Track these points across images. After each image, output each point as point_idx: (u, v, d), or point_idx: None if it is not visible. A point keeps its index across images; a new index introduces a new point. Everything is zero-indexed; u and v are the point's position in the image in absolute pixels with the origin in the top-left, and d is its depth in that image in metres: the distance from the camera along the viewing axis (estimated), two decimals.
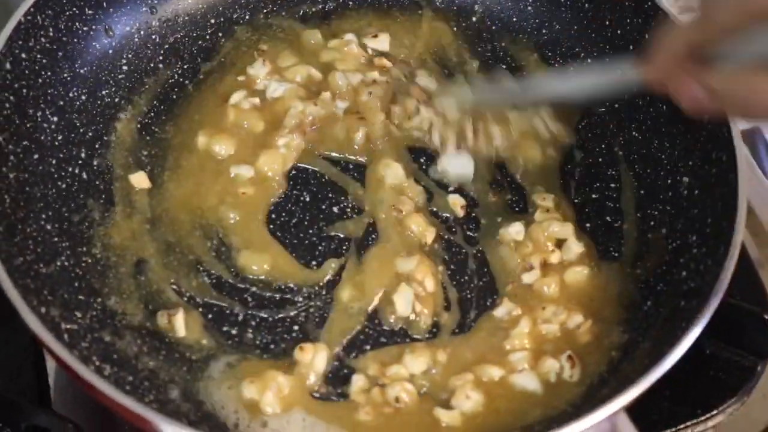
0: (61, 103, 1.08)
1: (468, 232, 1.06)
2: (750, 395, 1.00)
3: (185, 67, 1.17)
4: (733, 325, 0.98)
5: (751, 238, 1.14)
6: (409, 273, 1.00)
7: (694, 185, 1.03)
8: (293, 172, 1.09)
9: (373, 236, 1.04)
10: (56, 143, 1.05)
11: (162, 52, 1.17)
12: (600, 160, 1.12)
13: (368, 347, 0.96)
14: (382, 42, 1.19)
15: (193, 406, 0.90)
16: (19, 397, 0.95)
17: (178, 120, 1.12)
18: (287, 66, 1.16)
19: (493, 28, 1.24)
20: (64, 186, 1.03)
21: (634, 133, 1.13)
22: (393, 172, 1.08)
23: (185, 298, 0.98)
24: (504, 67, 1.20)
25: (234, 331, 0.96)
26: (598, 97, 1.04)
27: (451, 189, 1.09)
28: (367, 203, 1.07)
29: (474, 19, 1.24)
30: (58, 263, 0.97)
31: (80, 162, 1.06)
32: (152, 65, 1.16)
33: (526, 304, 0.99)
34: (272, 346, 0.95)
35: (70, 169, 1.05)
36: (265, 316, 0.97)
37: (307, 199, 1.07)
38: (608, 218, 1.07)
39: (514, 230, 1.03)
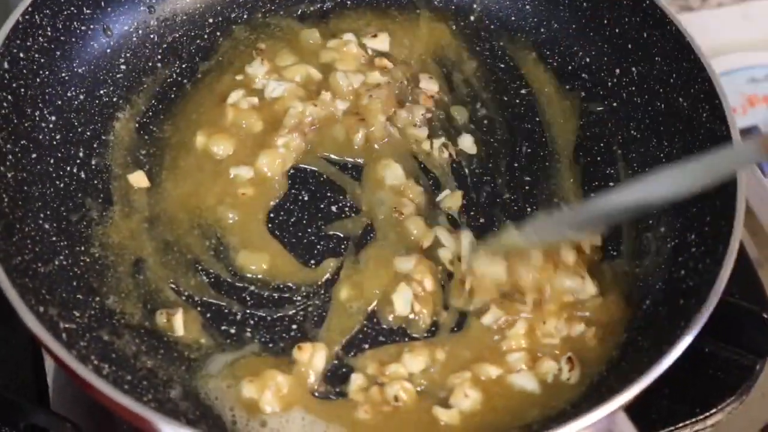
0: (59, 102, 1.08)
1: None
2: (749, 394, 0.99)
3: (183, 66, 1.17)
4: (732, 324, 0.98)
5: (750, 238, 1.14)
6: (408, 272, 0.99)
7: None
8: (291, 171, 1.08)
9: (372, 235, 1.04)
10: (54, 142, 1.05)
11: (160, 51, 1.17)
12: (599, 158, 1.12)
13: (367, 346, 0.96)
14: (381, 42, 1.19)
15: (191, 405, 0.90)
16: (17, 396, 0.95)
17: (177, 119, 1.12)
18: (286, 65, 1.16)
19: (492, 27, 1.24)
20: (62, 185, 1.03)
21: (632, 131, 1.13)
22: (393, 173, 1.08)
23: (184, 297, 0.98)
24: (503, 66, 1.20)
25: (232, 330, 0.96)
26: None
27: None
28: (366, 203, 1.06)
29: (472, 18, 1.24)
30: (57, 262, 0.97)
31: (78, 161, 1.06)
32: (150, 64, 1.16)
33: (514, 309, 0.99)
34: (271, 345, 0.95)
35: (69, 169, 1.05)
36: (264, 315, 0.97)
37: (306, 198, 1.07)
38: None
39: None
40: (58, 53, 1.09)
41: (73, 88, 1.10)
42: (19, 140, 1.01)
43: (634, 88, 1.14)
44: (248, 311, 0.97)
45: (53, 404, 0.98)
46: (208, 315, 0.97)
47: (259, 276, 1.00)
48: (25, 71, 1.04)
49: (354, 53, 1.17)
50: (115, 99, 1.12)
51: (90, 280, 0.97)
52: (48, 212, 1.00)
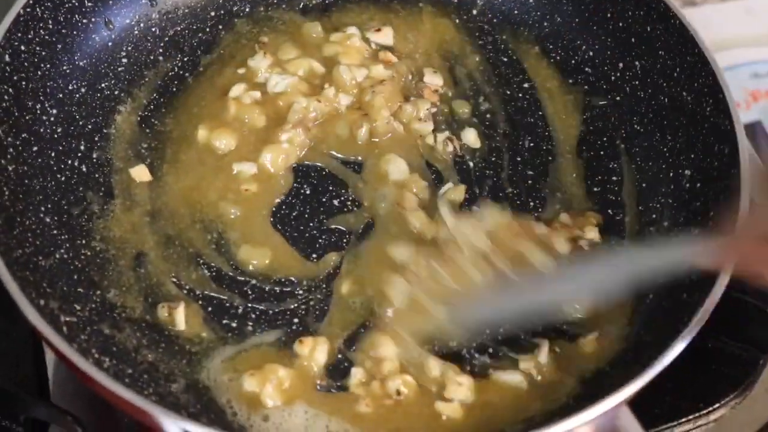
0: (61, 95, 1.08)
1: None
2: (752, 389, 0.99)
3: (185, 59, 1.16)
4: (736, 319, 0.98)
5: None
6: (405, 262, 0.99)
7: (696, 178, 1.03)
8: (294, 164, 1.08)
9: (374, 230, 1.04)
10: (55, 136, 1.05)
11: (162, 44, 1.17)
12: (602, 153, 1.12)
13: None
14: (385, 36, 1.18)
15: (192, 398, 0.90)
16: (18, 389, 0.94)
17: (178, 113, 1.12)
18: (289, 59, 1.15)
19: (494, 21, 1.23)
20: (63, 179, 1.03)
21: (635, 126, 1.12)
22: (397, 168, 1.07)
23: (185, 291, 0.98)
24: (506, 60, 1.20)
25: (234, 324, 0.96)
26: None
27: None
28: (368, 197, 1.06)
29: (475, 12, 1.24)
30: (57, 256, 0.96)
31: (80, 154, 1.05)
32: (152, 58, 1.16)
33: None
34: (272, 339, 0.95)
35: (70, 162, 1.04)
36: (265, 308, 0.97)
37: (308, 192, 1.06)
38: (610, 211, 1.06)
39: None
40: (60, 46, 1.09)
41: (74, 81, 1.09)
42: (20, 133, 1.01)
43: (637, 83, 1.14)
44: (250, 305, 0.97)
45: (54, 397, 0.98)
46: (210, 309, 0.97)
47: (261, 270, 1.00)
48: (26, 64, 1.04)
49: (357, 47, 1.16)
50: (116, 92, 1.12)
51: (91, 273, 0.97)
52: (49, 205, 1.00)
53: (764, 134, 1.31)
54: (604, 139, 1.13)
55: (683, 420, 0.97)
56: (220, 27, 1.20)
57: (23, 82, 1.03)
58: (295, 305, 0.98)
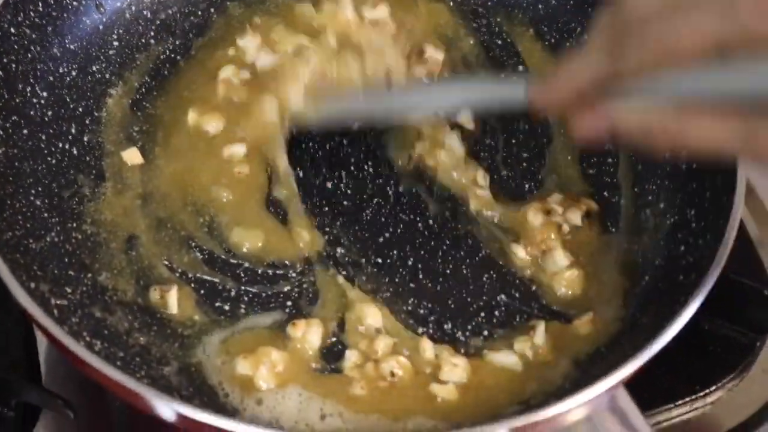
0: (51, 78, 1.07)
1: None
2: (749, 371, 0.99)
3: (177, 43, 1.15)
4: (733, 301, 0.98)
5: (751, 216, 1.13)
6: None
7: (693, 159, 1.02)
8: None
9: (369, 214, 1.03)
10: (46, 119, 1.04)
11: (153, 27, 1.16)
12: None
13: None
14: (381, 12, 1.16)
15: (185, 381, 0.89)
16: (9, 373, 0.94)
17: (169, 96, 1.10)
18: (279, 38, 1.14)
19: (489, 3, 1.22)
20: (54, 161, 1.02)
21: None
22: None
23: (177, 274, 0.97)
24: (500, 42, 1.19)
25: (227, 307, 0.95)
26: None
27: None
28: None
29: None
30: (48, 239, 0.96)
31: (70, 137, 1.05)
32: (143, 41, 1.15)
33: None
34: (265, 322, 0.94)
35: (60, 145, 1.03)
36: (258, 291, 0.96)
37: (300, 176, 1.05)
38: (605, 193, 1.06)
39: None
40: (50, 29, 1.08)
41: (65, 65, 1.08)
42: (10, 116, 1.00)
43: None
44: (243, 288, 0.96)
45: (45, 381, 0.97)
46: (202, 291, 0.96)
47: (254, 252, 0.99)
48: (16, 47, 1.03)
49: (350, 19, 1.15)
50: (107, 75, 1.11)
51: (82, 256, 0.96)
52: (39, 188, 0.99)
53: None
54: None
55: (680, 402, 0.97)
56: (212, 10, 1.19)
57: (13, 65, 1.02)
58: (288, 288, 0.97)
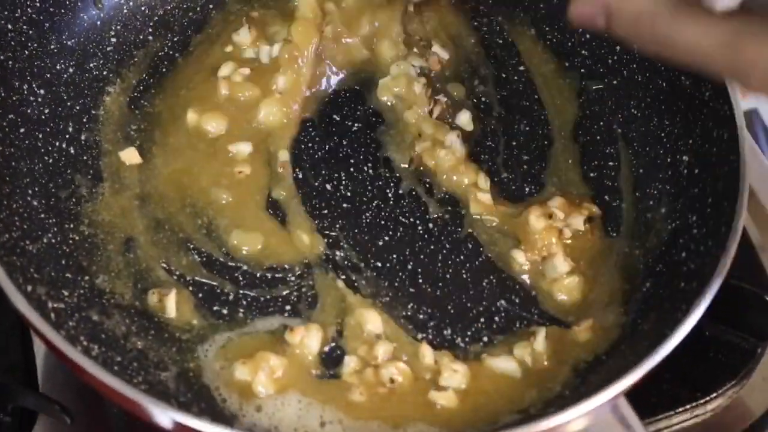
0: (48, 75, 1.06)
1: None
2: (750, 378, 0.99)
3: (175, 39, 1.15)
4: (734, 307, 0.97)
5: (752, 221, 1.12)
6: None
7: (695, 164, 1.01)
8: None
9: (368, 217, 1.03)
10: (43, 117, 1.03)
11: (151, 24, 1.15)
12: (598, 138, 1.10)
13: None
14: None
15: (183, 387, 0.88)
16: (5, 378, 0.93)
17: (167, 94, 1.10)
18: (275, 31, 1.13)
19: (490, 1, 1.21)
20: (51, 161, 1.01)
21: (633, 110, 1.11)
22: None
23: (175, 277, 0.96)
24: (501, 42, 1.18)
25: (225, 311, 0.94)
26: None
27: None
28: None
29: None
30: (45, 240, 0.95)
31: (68, 136, 1.04)
32: (141, 37, 1.14)
33: None
34: (264, 327, 0.94)
35: (58, 144, 1.02)
36: (257, 295, 0.96)
37: (300, 177, 1.05)
38: (606, 197, 1.05)
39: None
40: (47, 25, 1.07)
41: (62, 61, 1.07)
42: (6, 114, 0.99)
43: (635, 66, 1.12)
44: (241, 291, 0.96)
45: (42, 386, 0.96)
46: (200, 295, 0.95)
47: (253, 256, 0.98)
48: (13, 43, 1.02)
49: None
50: (105, 72, 1.10)
51: (79, 258, 0.95)
52: (36, 188, 0.98)
53: (761, 122, 1.30)
54: (601, 123, 1.11)
55: (681, 409, 0.96)
56: (211, 6, 1.18)
57: (10, 62, 1.01)
58: (287, 292, 0.96)
